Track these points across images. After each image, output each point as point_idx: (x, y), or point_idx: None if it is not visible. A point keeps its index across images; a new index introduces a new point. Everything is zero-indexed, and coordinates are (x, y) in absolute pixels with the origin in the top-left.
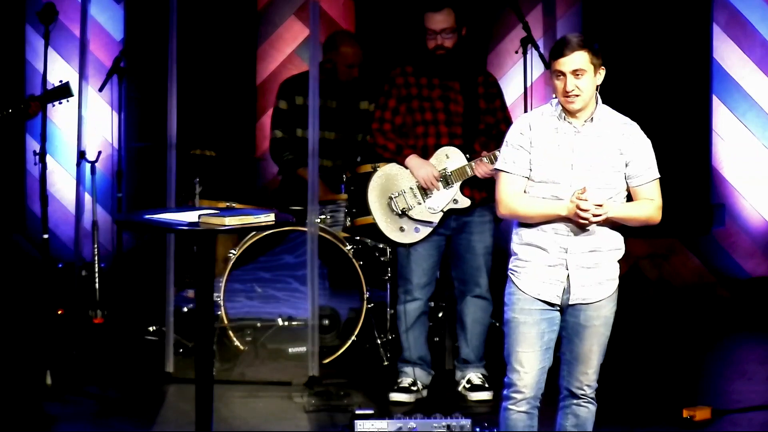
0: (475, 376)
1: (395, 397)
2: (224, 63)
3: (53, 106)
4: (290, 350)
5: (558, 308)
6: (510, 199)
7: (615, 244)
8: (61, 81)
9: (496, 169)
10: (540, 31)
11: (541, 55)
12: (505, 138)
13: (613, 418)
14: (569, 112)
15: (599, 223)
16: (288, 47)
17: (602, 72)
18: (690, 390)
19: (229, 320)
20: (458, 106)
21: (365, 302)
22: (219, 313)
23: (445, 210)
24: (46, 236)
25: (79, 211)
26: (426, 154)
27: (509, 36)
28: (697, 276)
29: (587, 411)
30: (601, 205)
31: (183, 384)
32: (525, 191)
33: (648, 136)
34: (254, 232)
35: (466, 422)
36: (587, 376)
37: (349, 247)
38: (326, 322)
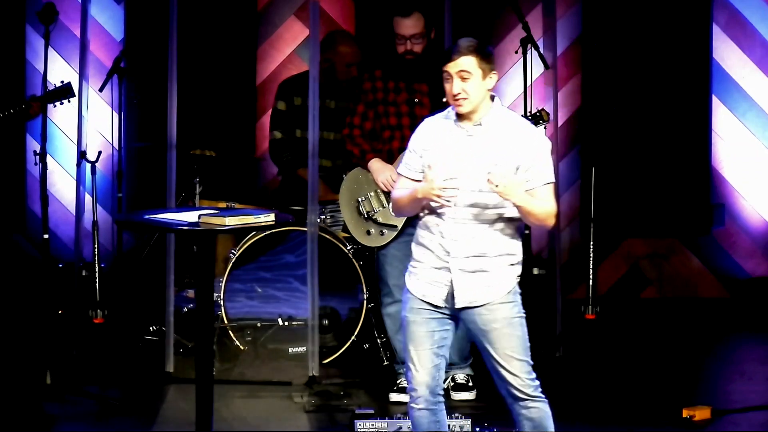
0: (459, 375)
1: (395, 397)
2: (224, 63)
3: (54, 106)
4: (290, 350)
5: (446, 312)
6: (394, 198)
7: (507, 250)
8: (62, 81)
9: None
10: (540, 31)
11: (541, 55)
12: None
13: (613, 418)
14: (462, 116)
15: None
16: (288, 47)
17: (493, 77)
18: (690, 390)
19: (229, 320)
20: (424, 109)
21: (365, 302)
22: (219, 313)
23: None
24: (46, 236)
25: (80, 211)
26: (392, 159)
27: (509, 36)
28: (697, 276)
29: (538, 410)
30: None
31: (183, 384)
32: None
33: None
34: (254, 232)
35: (466, 422)
36: (516, 378)
37: (349, 247)
38: (326, 322)
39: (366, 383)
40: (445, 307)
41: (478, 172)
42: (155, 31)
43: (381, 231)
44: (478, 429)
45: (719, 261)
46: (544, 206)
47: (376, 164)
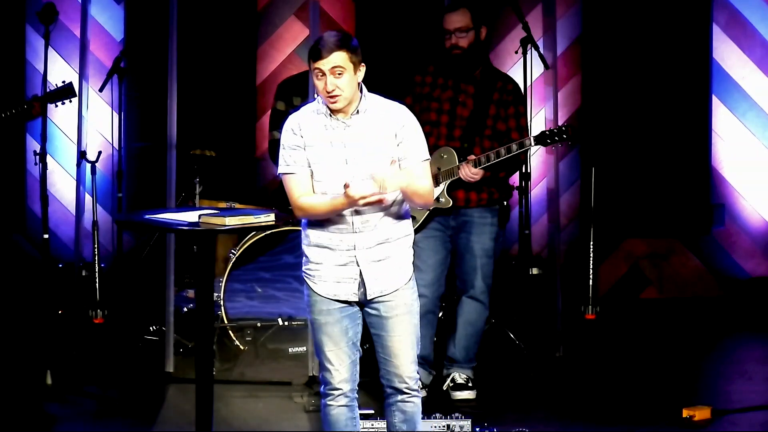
0: (459, 375)
1: None
2: (224, 63)
3: (56, 106)
4: (290, 350)
5: (356, 305)
6: (299, 199)
7: (404, 231)
8: (63, 81)
9: (279, 173)
10: (540, 31)
11: (541, 55)
12: (281, 141)
13: (613, 418)
14: (336, 110)
15: (388, 207)
16: (288, 47)
17: (362, 69)
18: (690, 390)
19: (229, 320)
20: (465, 109)
21: None
22: (219, 313)
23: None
24: (46, 236)
25: (80, 211)
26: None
27: (509, 36)
28: (697, 276)
29: (413, 405)
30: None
31: (183, 384)
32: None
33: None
34: (254, 232)
35: (466, 422)
36: (404, 368)
37: None
38: None
39: (366, 383)
40: (357, 301)
41: (364, 160)
42: (155, 31)
43: None
44: (478, 429)
45: (719, 261)
46: (425, 184)
47: None
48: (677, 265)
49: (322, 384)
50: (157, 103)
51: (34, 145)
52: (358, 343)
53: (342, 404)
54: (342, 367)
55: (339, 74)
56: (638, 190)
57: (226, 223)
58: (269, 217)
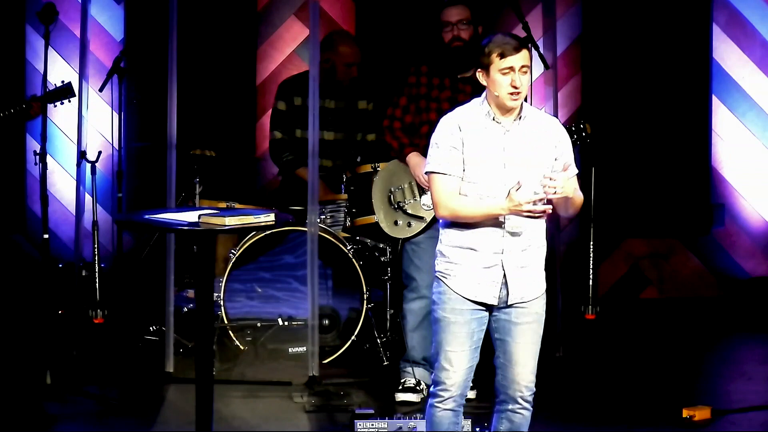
0: None
1: (402, 397)
2: (224, 63)
3: (55, 106)
4: (290, 350)
5: (488, 310)
6: (449, 200)
7: (541, 240)
8: (63, 81)
9: (427, 171)
10: (540, 31)
11: (541, 55)
12: (433, 139)
13: (613, 418)
14: (499, 111)
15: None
16: (288, 47)
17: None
18: (690, 390)
19: (229, 320)
20: None
21: (365, 302)
22: (219, 313)
23: None
24: (46, 236)
25: (80, 211)
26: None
27: None
28: (697, 276)
29: (521, 417)
30: (552, 187)
31: (183, 384)
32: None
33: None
34: (254, 232)
35: (466, 422)
36: (523, 376)
37: (349, 248)
38: (326, 322)
39: (366, 383)
40: (495, 305)
41: (522, 166)
42: (155, 31)
43: (408, 222)
44: (478, 429)
45: (719, 261)
46: (581, 196)
47: (414, 158)
48: (677, 265)
49: (434, 383)
50: (157, 103)
51: (34, 145)
52: (479, 349)
53: (449, 408)
54: (460, 370)
55: (524, 72)
56: (638, 190)
57: (226, 223)
58: (269, 217)
